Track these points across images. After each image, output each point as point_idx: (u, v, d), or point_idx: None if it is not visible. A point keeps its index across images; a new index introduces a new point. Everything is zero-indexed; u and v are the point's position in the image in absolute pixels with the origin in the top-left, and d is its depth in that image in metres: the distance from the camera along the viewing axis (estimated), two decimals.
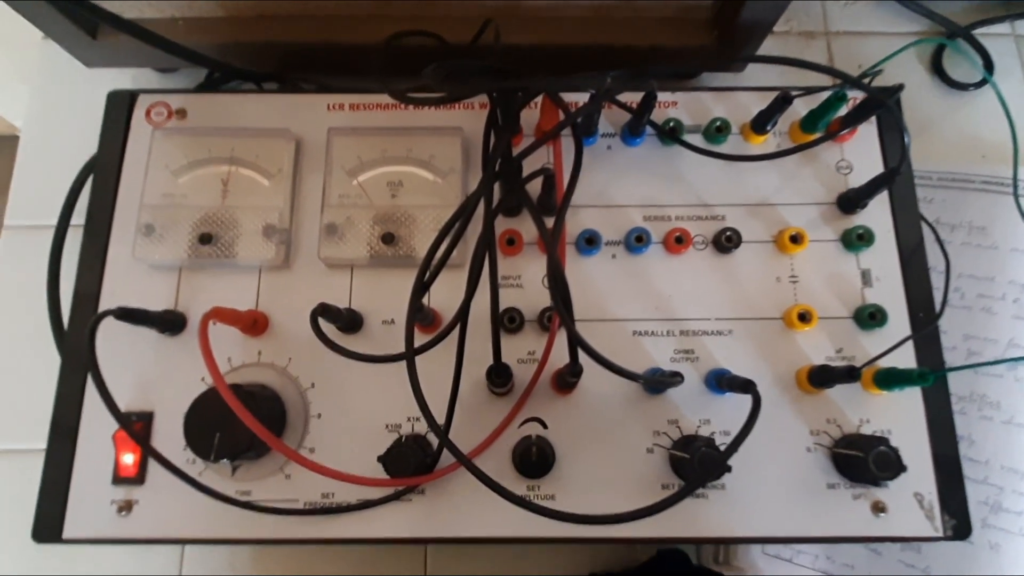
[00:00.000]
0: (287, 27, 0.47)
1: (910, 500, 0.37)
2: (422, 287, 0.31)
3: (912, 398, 0.39)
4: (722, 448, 0.37)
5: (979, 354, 0.47)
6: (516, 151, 0.36)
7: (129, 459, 0.38)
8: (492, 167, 0.31)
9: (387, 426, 0.39)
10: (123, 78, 0.56)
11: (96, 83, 0.47)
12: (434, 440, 0.37)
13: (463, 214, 0.30)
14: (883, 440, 0.36)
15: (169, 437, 0.38)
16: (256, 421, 0.29)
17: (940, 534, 0.37)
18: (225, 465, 0.37)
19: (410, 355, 0.30)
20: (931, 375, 0.34)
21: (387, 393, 0.39)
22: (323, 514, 0.37)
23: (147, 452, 0.33)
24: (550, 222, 0.33)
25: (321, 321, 0.36)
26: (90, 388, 0.39)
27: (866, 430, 0.38)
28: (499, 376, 0.33)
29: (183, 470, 0.34)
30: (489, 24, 0.36)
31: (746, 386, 0.34)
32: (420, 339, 0.32)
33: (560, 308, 0.27)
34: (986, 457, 0.45)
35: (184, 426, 0.34)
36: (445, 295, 0.41)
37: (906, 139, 0.36)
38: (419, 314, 0.36)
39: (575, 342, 0.28)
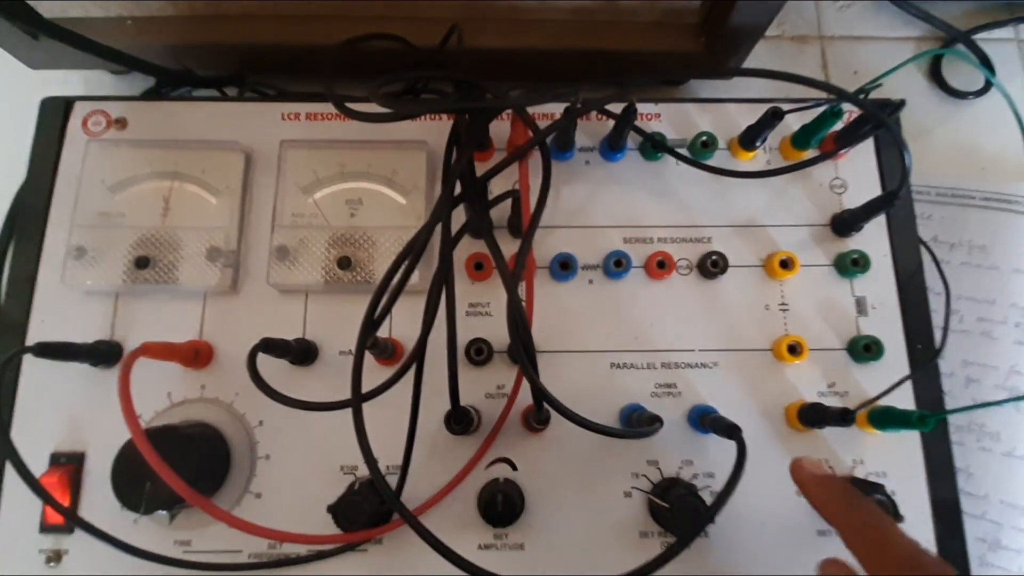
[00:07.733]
0: (245, 27, 0.44)
1: None
2: (371, 325, 0.28)
3: (910, 438, 0.36)
4: (703, 489, 0.34)
5: (978, 381, 0.44)
6: (485, 169, 0.33)
7: None
8: (449, 189, 0.27)
9: (342, 467, 0.35)
10: (74, 80, 0.53)
11: (47, 88, 0.43)
12: (393, 479, 0.34)
13: (415, 247, 0.27)
14: (878, 487, 0.33)
15: (103, 480, 0.34)
16: (176, 477, 0.25)
17: None
18: (162, 515, 0.33)
19: (356, 402, 0.27)
20: (931, 419, 0.31)
21: (342, 432, 0.35)
22: (269, 568, 0.33)
23: (66, 516, 0.29)
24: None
25: (267, 358, 0.33)
26: (17, 426, 0.36)
27: (860, 472, 0.35)
28: (458, 423, 0.30)
29: (105, 531, 0.31)
30: (455, 30, 0.33)
31: (731, 431, 0.31)
32: (379, 372, 0.29)
33: (521, 357, 0.24)
34: (984, 491, 0.43)
35: (112, 476, 0.31)
36: (409, 322, 0.37)
37: (907, 160, 0.33)
38: (375, 348, 0.32)
39: (540, 395, 0.25)
